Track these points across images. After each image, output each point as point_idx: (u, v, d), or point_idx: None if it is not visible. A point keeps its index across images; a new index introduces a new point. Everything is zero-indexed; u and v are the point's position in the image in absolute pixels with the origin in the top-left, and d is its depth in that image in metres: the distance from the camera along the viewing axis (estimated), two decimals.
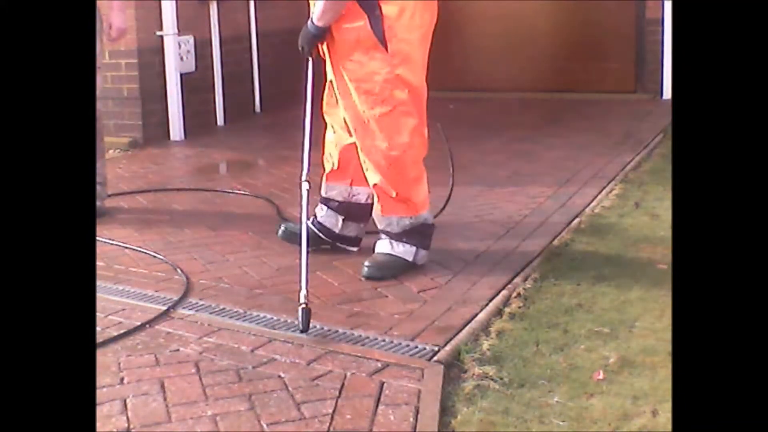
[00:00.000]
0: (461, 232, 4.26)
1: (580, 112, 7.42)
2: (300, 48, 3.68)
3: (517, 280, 3.56)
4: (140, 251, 4.09)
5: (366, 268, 3.69)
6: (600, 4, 8.07)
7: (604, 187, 4.93)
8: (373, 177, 3.66)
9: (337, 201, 3.91)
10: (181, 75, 6.80)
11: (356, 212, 3.92)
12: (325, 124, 3.90)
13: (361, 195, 3.89)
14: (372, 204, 3.79)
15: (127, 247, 4.15)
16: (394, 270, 3.69)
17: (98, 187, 4.59)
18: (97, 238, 4.06)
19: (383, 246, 3.76)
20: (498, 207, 4.66)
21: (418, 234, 3.73)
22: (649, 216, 4.35)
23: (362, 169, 3.72)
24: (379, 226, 3.76)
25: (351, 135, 3.72)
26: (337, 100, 3.73)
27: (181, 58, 6.81)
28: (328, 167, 3.90)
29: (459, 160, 5.80)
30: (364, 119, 3.58)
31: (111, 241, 4.22)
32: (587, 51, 8.14)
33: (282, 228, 4.10)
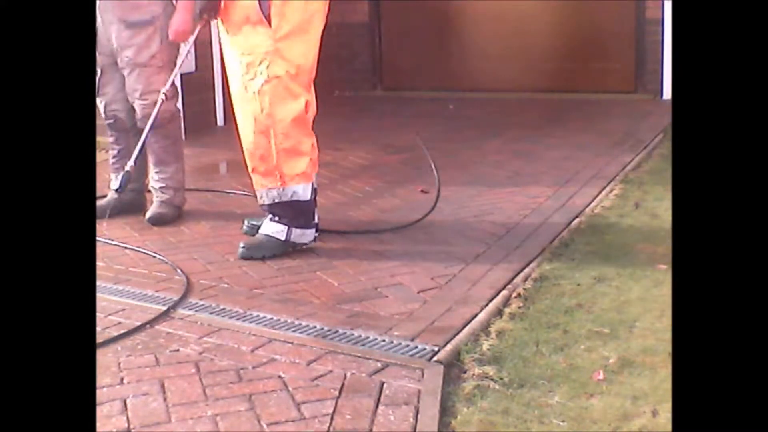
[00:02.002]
0: (461, 232, 4.26)
1: (580, 112, 7.42)
2: (197, 14, 4.00)
3: (517, 280, 3.56)
4: (140, 251, 4.09)
5: (240, 250, 3.93)
6: (600, 4, 8.07)
7: (604, 188, 4.93)
8: (245, 143, 3.92)
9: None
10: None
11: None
12: None
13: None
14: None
15: (127, 247, 4.15)
16: (265, 250, 3.90)
17: (171, 192, 4.54)
18: (97, 238, 4.06)
19: (263, 226, 4.00)
20: (498, 207, 4.66)
21: (290, 210, 3.89)
22: (649, 216, 4.35)
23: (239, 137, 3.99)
24: (258, 202, 4.02)
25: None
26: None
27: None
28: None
29: (459, 160, 5.82)
30: (244, 87, 3.83)
31: (111, 241, 4.22)
32: (587, 51, 8.14)
33: (246, 223, 4.31)
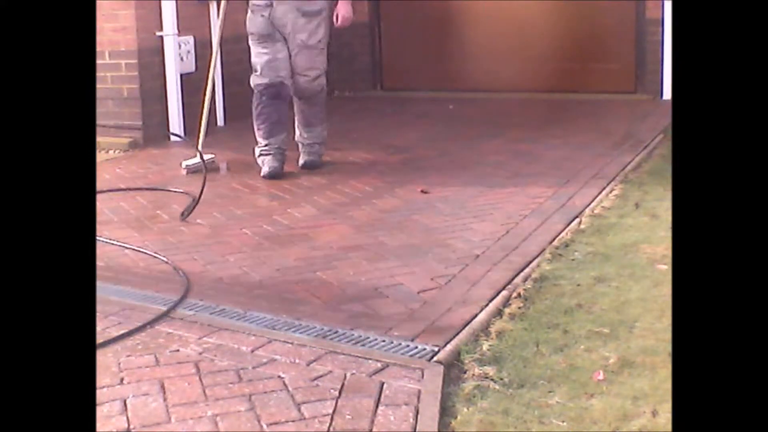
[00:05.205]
0: (461, 232, 4.26)
1: (580, 112, 7.42)
2: None
3: (517, 280, 3.56)
4: (140, 251, 4.09)
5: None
6: (600, 4, 8.07)
7: (604, 188, 4.93)
8: None
9: None
10: (181, 75, 6.80)
11: None
12: None
13: None
14: None
15: (127, 247, 4.15)
16: None
17: (317, 147, 5.71)
18: (97, 238, 4.06)
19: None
20: (498, 207, 4.66)
21: None
22: (649, 216, 4.35)
23: None
24: None
25: None
26: None
27: (181, 59, 6.81)
28: None
29: (459, 160, 5.82)
30: None
31: (111, 241, 4.22)
32: (587, 51, 8.14)
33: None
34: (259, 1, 5.43)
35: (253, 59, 5.52)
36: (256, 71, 5.51)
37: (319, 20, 5.47)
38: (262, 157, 5.55)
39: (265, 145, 5.52)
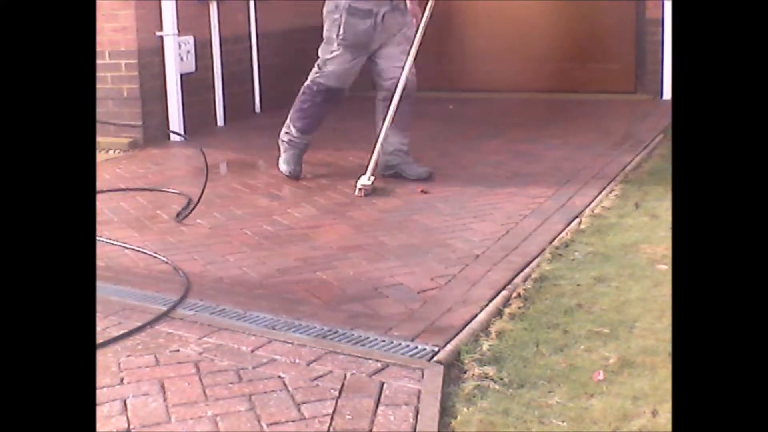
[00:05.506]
0: (461, 232, 4.26)
1: (580, 112, 7.42)
2: None
3: (517, 280, 3.56)
4: (140, 251, 4.09)
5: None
6: (600, 4, 8.07)
7: (604, 188, 4.93)
8: None
9: None
10: (181, 75, 6.80)
11: None
12: None
13: None
14: None
15: (127, 247, 4.15)
16: None
17: (398, 155, 5.36)
18: (97, 238, 4.06)
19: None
20: (498, 207, 4.66)
21: None
22: (649, 216, 4.35)
23: None
24: None
25: None
26: None
27: (181, 59, 6.81)
28: None
29: (459, 161, 5.82)
30: None
31: (111, 241, 4.22)
32: (587, 51, 8.14)
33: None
34: (361, 4, 5.14)
35: (328, 61, 5.25)
36: (323, 71, 5.28)
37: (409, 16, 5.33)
38: (287, 147, 5.42)
39: (297, 138, 5.39)
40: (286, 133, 5.45)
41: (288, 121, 5.45)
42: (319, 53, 5.33)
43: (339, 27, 5.19)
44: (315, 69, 5.34)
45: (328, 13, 5.25)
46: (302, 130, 5.39)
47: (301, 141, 5.42)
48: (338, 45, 5.21)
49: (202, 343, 3.07)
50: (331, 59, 5.25)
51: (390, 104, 5.23)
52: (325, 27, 5.29)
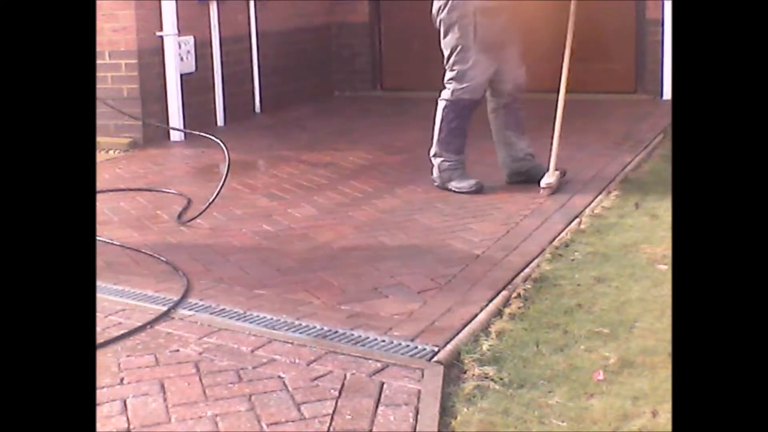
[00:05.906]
0: (461, 232, 4.25)
1: (580, 112, 7.40)
2: None
3: (517, 280, 3.56)
4: (140, 251, 4.09)
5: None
6: (600, 4, 8.05)
7: (604, 188, 4.93)
8: None
9: None
10: (181, 75, 6.80)
11: None
12: None
13: None
14: None
15: (127, 247, 4.15)
16: None
17: (529, 159, 5.15)
18: (97, 238, 4.06)
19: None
20: (498, 207, 4.66)
21: None
22: (649, 216, 4.35)
23: None
24: None
25: None
26: None
27: (181, 59, 6.81)
28: None
29: None
30: None
31: (111, 241, 4.22)
32: (587, 51, 8.11)
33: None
34: (492, 3, 4.94)
35: (468, 71, 5.00)
36: (464, 85, 5.02)
37: None
38: (452, 173, 5.05)
39: (456, 160, 5.07)
40: (444, 161, 5.08)
41: (436, 148, 5.11)
42: (454, 66, 5.05)
43: (473, 31, 4.95)
44: (453, 84, 5.05)
45: (459, 18, 4.96)
46: (457, 151, 5.08)
47: (460, 160, 5.09)
48: (475, 51, 4.96)
49: (202, 343, 3.07)
50: (470, 68, 4.98)
51: (512, 110, 5.17)
52: (455, 36, 5.00)
